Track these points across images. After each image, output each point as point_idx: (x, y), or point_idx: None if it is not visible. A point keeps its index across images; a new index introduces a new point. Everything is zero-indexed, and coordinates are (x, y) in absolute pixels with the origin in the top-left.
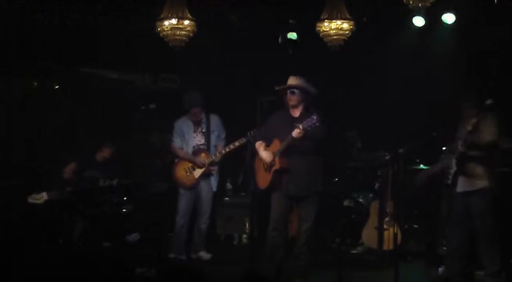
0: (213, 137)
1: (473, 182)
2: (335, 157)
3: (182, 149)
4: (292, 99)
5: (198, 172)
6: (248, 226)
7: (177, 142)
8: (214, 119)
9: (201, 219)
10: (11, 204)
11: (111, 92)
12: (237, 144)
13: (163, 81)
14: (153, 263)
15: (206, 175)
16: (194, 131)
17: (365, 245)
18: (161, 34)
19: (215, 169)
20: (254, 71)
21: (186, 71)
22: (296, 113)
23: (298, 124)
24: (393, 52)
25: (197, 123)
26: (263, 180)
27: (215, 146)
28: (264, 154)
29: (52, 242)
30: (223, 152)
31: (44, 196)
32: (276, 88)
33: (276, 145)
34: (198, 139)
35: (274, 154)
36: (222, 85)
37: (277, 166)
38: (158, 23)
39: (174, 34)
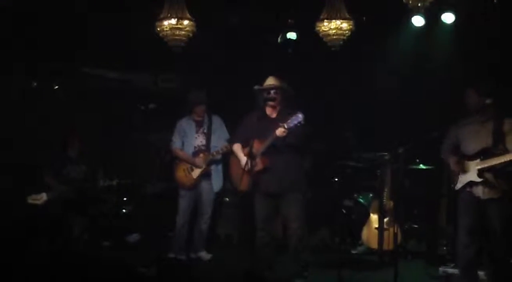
0: (214, 138)
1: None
2: (333, 156)
3: (181, 149)
4: (271, 100)
5: (196, 172)
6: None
7: (176, 143)
8: (216, 121)
9: (201, 219)
10: (10, 204)
11: (111, 92)
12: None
13: (162, 81)
14: (153, 263)
15: (206, 175)
16: (196, 132)
17: (365, 245)
18: (160, 34)
19: (217, 168)
20: (253, 71)
21: (186, 71)
22: (273, 113)
23: (283, 123)
24: (392, 51)
25: (199, 124)
26: (244, 181)
27: (215, 147)
28: (243, 158)
29: (52, 242)
30: (220, 151)
31: (43, 196)
32: (256, 88)
33: (256, 145)
34: (199, 140)
35: (255, 154)
36: (221, 85)
37: (259, 166)
38: (157, 23)
39: (174, 34)
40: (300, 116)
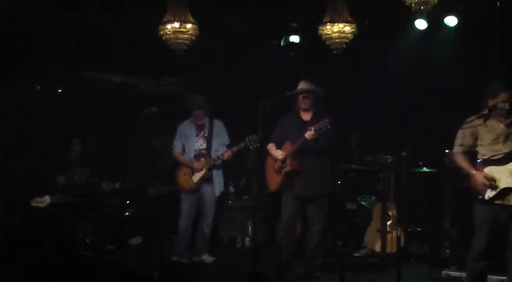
0: (215, 142)
1: None
2: (337, 159)
3: (182, 153)
4: (305, 103)
5: (197, 177)
6: (251, 229)
7: (177, 146)
8: (218, 125)
9: (204, 223)
10: (14, 207)
11: (113, 95)
12: (235, 149)
13: (165, 85)
14: (155, 266)
15: (207, 179)
16: (196, 135)
17: (368, 248)
18: (163, 38)
19: (218, 173)
20: (256, 74)
21: (189, 75)
22: (307, 116)
23: (311, 127)
24: (395, 55)
25: (200, 127)
26: (273, 181)
27: (217, 151)
28: (277, 152)
29: (55, 245)
30: (221, 157)
31: (47, 199)
32: (288, 93)
33: (288, 146)
34: (200, 144)
35: (286, 156)
36: (224, 88)
37: (288, 168)
38: (160, 27)
39: (177, 38)
40: (326, 121)
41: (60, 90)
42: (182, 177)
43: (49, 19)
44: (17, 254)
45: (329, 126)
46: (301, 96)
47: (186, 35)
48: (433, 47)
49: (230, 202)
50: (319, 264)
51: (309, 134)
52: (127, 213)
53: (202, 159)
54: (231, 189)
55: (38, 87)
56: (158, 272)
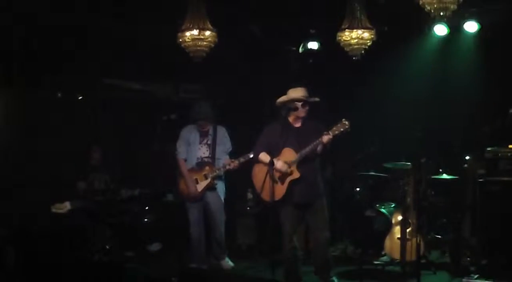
0: (218, 150)
1: None
2: (355, 167)
3: (185, 160)
4: (303, 111)
5: (201, 185)
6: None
7: (181, 152)
8: (221, 132)
9: (215, 230)
10: (35, 213)
11: (133, 103)
12: (242, 160)
13: (184, 92)
14: (174, 272)
15: (211, 187)
16: (200, 143)
17: (388, 256)
18: (182, 45)
19: (219, 180)
20: (274, 81)
21: (207, 82)
22: (297, 123)
23: (328, 131)
24: (415, 61)
25: (203, 134)
26: (276, 191)
27: (219, 159)
28: (280, 164)
29: (75, 252)
30: (227, 167)
31: (67, 205)
32: (279, 101)
33: (289, 153)
34: (202, 151)
35: (291, 163)
36: (241, 96)
37: (295, 175)
38: (179, 34)
39: (195, 45)
40: (347, 123)
41: (80, 98)
42: (184, 185)
43: (71, 26)
44: (38, 259)
45: (349, 129)
46: (299, 104)
47: (205, 43)
48: (453, 53)
49: (248, 208)
50: (330, 270)
51: (326, 138)
52: (146, 219)
53: (207, 167)
54: (249, 195)
55: (59, 95)
56: (177, 278)
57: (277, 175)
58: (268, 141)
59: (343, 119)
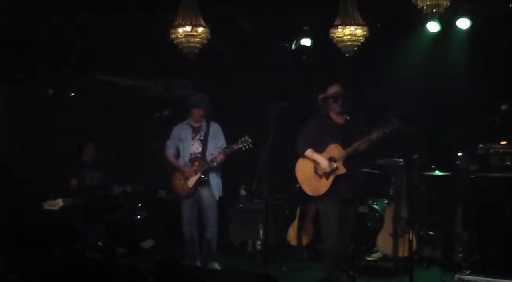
0: (210, 146)
1: None
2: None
3: (176, 156)
4: (338, 106)
5: (191, 181)
6: (262, 232)
7: (170, 149)
8: (214, 127)
9: (206, 227)
10: (26, 210)
11: (125, 99)
12: (227, 151)
13: (177, 88)
14: (166, 268)
15: (203, 183)
16: (192, 139)
17: (380, 252)
18: (175, 41)
19: (215, 176)
20: (267, 78)
21: (199, 78)
22: (340, 119)
23: (378, 128)
24: (407, 57)
25: (196, 130)
26: (320, 186)
27: (212, 154)
28: (323, 160)
29: (67, 248)
30: (215, 160)
31: (59, 202)
32: (321, 96)
33: (335, 149)
34: (195, 147)
35: (335, 159)
36: (234, 92)
37: (342, 171)
38: (172, 31)
39: (188, 41)
40: (395, 121)
41: (72, 94)
42: (177, 181)
43: (61, 21)
44: (29, 256)
45: (396, 128)
46: (333, 99)
47: (197, 39)
48: (445, 50)
49: (241, 205)
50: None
51: (376, 136)
52: (138, 216)
53: (196, 163)
54: (242, 192)
55: (51, 91)
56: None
57: (320, 170)
58: (313, 135)
59: (392, 117)
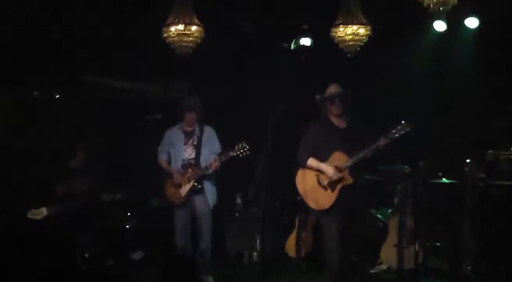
0: (204, 152)
1: None
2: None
3: (168, 162)
4: (337, 108)
5: (184, 189)
6: (259, 243)
7: (162, 154)
8: (208, 132)
9: (200, 239)
10: (10, 219)
11: (117, 102)
12: (223, 158)
13: (173, 91)
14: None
15: (197, 191)
16: (185, 144)
17: (384, 264)
18: (167, 41)
19: (210, 183)
20: (265, 79)
21: (196, 80)
22: (342, 123)
23: (386, 134)
24: (413, 58)
25: (189, 135)
26: (324, 198)
27: (206, 160)
28: (329, 169)
29: (53, 259)
30: (209, 167)
31: (43, 211)
32: (318, 97)
33: (341, 158)
34: (188, 153)
35: (340, 168)
36: (231, 94)
37: (348, 181)
38: (164, 29)
39: (181, 41)
40: (405, 125)
41: (58, 96)
42: (170, 189)
43: (48, 20)
44: (11, 268)
45: (406, 132)
46: (336, 100)
47: (191, 38)
48: (452, 50)
49: (237, 214)
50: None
51: (384, 142)
52: (128, 226)
53: (190, 170)
54: (238, 200)
55: (35, 93)
56: None
57: (326, 181)
58: (314, 143)
59: (403, 122)
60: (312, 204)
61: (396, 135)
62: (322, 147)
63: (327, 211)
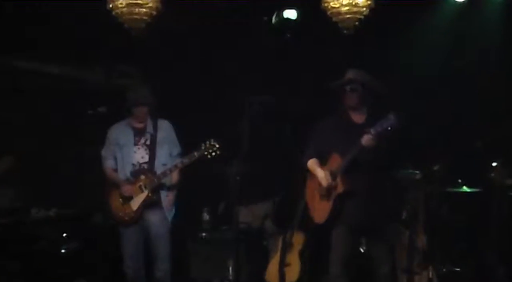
0: (161, 153)
1: None
2: None
3: (115, 170)
4: (351, 98)
5: (136, 202)
6: (232, 269)
7: (108, 159)
8: (164, 127)
9: (155, 265)
10: None
11: (50, 92)
12: (186, 161)
13: (118, 76)
14: None
15: (152, 205)
16: (135, 144)
17: None
18: (113, 12)
19: (170, 194)
20: (240, 63)
21: (149, 64)
22: (359, 118)
23: (368, 129)
24: (424, 35)
25: (139, 133)
26: (320, 211)
27: (164, 164)
28: (321, 173)
29: None
30: (168, 172)
31: None
32: (331, 84)
33: (336, 160)
34: (140, 155)
35: (335, 173)
36: (197, 82)
37: (340, 189)
38: None
39: (131, 13)
40: (392, 118)
41: None
42: (116, 203)
43: None
44: None
45: (395, 126)
46: (348, 89)
47: (143, 9)
48: (474, 26)
49: (204, 234)
50: None
51: (366, 139)
52: (64, 250)
53: (142, 177)
54: (206, 216)
55: None
56: None
57: (321, 188)
58: (321, 141)
59: (389, 114)
60: (314, 217)
61: (379, 130)
62: (328, 148)
63: (326, 226)
